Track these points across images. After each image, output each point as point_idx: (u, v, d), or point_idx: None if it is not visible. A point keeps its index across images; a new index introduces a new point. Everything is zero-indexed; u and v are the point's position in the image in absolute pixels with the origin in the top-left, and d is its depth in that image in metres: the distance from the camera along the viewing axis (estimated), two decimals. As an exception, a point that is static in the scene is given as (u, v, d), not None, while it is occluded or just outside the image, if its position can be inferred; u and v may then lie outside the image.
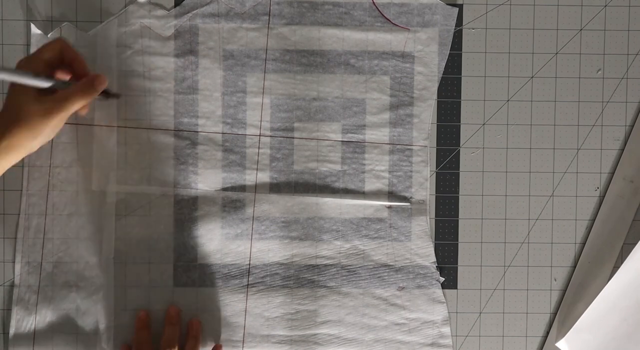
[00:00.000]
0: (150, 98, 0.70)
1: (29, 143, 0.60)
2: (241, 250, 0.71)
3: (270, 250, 0.71)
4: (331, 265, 0.71)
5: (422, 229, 0.71)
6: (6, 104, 0.60)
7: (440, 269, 0.72)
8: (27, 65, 0.60)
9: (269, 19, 0.70)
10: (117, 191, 0.70)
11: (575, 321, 0.70)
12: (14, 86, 0.60)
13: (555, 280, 0.72)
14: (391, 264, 0.71)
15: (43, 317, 0.70)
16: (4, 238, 0.70)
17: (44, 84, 0.59)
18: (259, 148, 0.71)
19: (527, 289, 0.72)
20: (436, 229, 0.72)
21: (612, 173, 0.72)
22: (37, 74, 0.59)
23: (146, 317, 0.69)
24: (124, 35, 0.70)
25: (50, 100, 0.60)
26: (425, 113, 0.71)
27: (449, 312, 0.72)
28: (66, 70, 0.63)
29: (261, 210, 0.70)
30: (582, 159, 0.72)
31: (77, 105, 0.61)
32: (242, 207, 0.70)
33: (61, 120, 0.61)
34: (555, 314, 0.72)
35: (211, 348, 0.70)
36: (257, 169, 0.71)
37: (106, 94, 0.66)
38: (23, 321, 0.70)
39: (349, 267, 0.71)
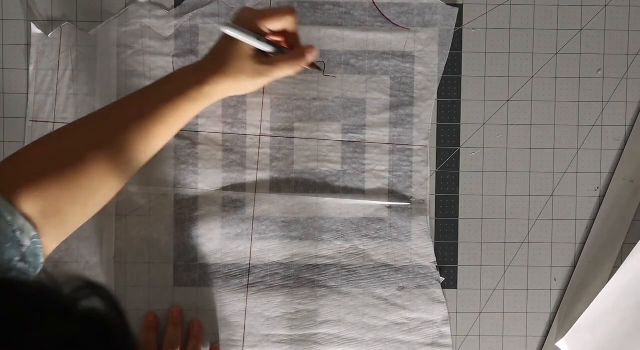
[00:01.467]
0: (150, 98, 0.70)
1: (225, 94, 0.61)
2: (241, 250, 0.71)
3: (270, 250, 0.71)
4: (331, 265, 0.71)
5: (422, 228, 0.71)
6: (219, 52, 0.61)
7: (440, 268, 0.72)
8: (252, 23, 0.60)
9: (269, 19, 0.70)
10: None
11: (575, 321, 0.70)
12: (233, 39, 0.60)
13: (555, 280, 0.72)
14: (391, 263, 0.71)
15: (43, 317, 0.70)
16: (5, 238, 0.70)
17: (266, 48, 0.60)
18: (259, 148, 0.71)
19: (527, 289, 0.72)
20: (436, 228, 0.72)
21: (612, 173, 0.72)
22: (261, 37, 0.60)
23: (154, 318, 0.69)
24: (125, 35, 0.70)
25: (263, 63, 0.60)
26: (426, 113, 0.71)
27: (449, 312, 0.72)
28: (279, 35, 0.63)
29: (261, 210, 0.70)
30: (582, 159, 0.72)
31: (285, 73, 0.61)
32: (242, 207, 0.70)
33: (266, 82, 0.62)
34: (555, 313, 0.72)
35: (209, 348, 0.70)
36: (257, 169, 0.71)
37: (312, 65, 0.66)
38: (23, 321, 0.70)
39: (349, 267, 0.71)
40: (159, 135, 0.59)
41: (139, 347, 0.69)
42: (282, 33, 0.62)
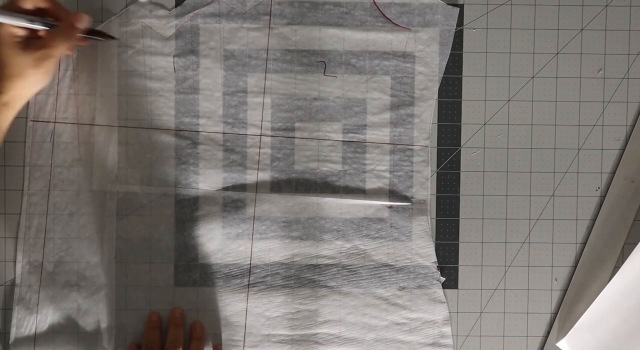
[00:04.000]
0: (151, 98, 0.70)
1: (26, 94, 0.60)
2: (242, 250, 0.71)
3: (271, 250, 0.71)
4: (332, 265, 0.71)
5: (422, 228, 0.71)
6: None
7: (441, 268, 0.72)
8: (10, 6, 0.59)
9: (270, 19, 0.70)
10: (118, 191, 0.70)
11: (576, 321, 0.70)
12: None
13: (556, 280, 0.72)
14: (392, 263, 0.71)
15: (44, 317, 0.70)
16: (5, 238, 0.70)
17: (38, 26, 0.59)
18: (259, 148, 0.71)
19: (528, 289, 0.72)
20: (437, 228, 0.72)
21: (613, 173, 0.72)
22: (32, 18, 0.58)
23: (158, 318, 0.69)
24: (125, 35, 0.70)
25: (37, 49, 0.59)
26: (426, 113, 0.71)
27: (449, 312, 0.72)
28: (43, 14, 0.61)
29: (262, 210, 0.71)
30: (582, 158, 0.72)
31: (63, 48, 0.60)
32: (243, 207, 0.70)
33: (52, 64, 0.61)
34: (555, 313, 0.72)
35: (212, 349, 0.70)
36: (258, 169, 0.71)
37: (100, 33, 0.66)
38: (24, 321, 0.70)
39: (349, 267, 0.71)
40: None
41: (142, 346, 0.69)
42: (42, 10, 0.61)
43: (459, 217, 0.72)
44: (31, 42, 0.60)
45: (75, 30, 0.61)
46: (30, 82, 0.60)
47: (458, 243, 0.72)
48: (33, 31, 0.61)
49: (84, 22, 0.62)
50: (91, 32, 0.66)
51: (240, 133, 0.71)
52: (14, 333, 0.70)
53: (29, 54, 0.59)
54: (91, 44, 0.69)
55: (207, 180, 0.70)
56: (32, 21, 0.58)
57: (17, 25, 0.58)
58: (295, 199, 0.71)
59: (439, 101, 0.71)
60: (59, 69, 0.69)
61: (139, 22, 0.70)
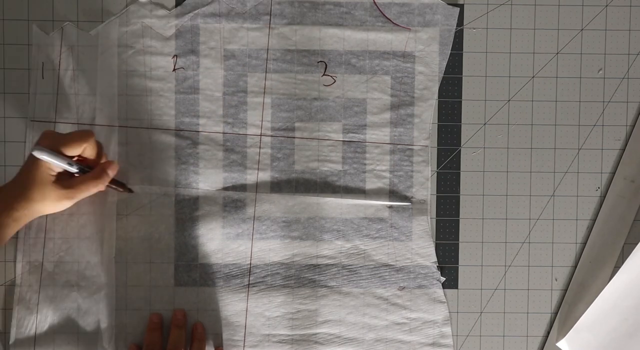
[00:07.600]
0: (151, 98, 0.70)
1: (37, 215, 0.63)
2: (242, 250, 0.71)
3: (271, 249, 0.71)
4: (332, 265, 0.71)
5: (423, 228, 0.71)
6: (23, 177, 0.62)
7: (441, 268, 0.72)
8: (55, 147, 0.62)
9: (270, 19, 0.70)
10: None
11: (576, 321, 0.70)
12: (36, 163, 0.61)
13: (556, 280, 0.72)
14: (392, 263, 0.71)
15: (44, 317, 0.70)
16: (5, 237, 0.70)
17: (73, 169, 0.63)
18: (260, 148, 0.71)
19: (528, 289, 0.72)
20: (437, 228, 0.72)
21: (613, 173, 0.72)
22: (70, 160, 0.62)
23: (158, 319, 0.69)
24: (125, 35, 0.70)
25: (65, 188, 0.62)
26: (426, 113, 0.71)
27: (449, 312, 0.72)
28: (80, 156, 0.64)
29: (262, 209, 0.71)
30: (583, 158, 0.72)
31: (90, 192, 0.64)
32: (243, 207, 0.70)
33: (74, 201, 0.64)
34: (556, 313, 0.72)
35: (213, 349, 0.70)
36: (258, 169, 0.71)
37: (120, 184, 0.68)
38: (24, 321, 0.70)
39: (349, 267, 0.71)
40: None
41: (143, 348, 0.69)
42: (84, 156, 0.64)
43: (459, 217, 0.72)
44: (62, 179, 0.63)
45: (106, 179, 0.64)
46: (47, 209, 0.63)
47: (458, 243, 0.72)
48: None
49: (114, 171, 0.65)
50: (115, 181, 0.67)
51: (240, 133, 0.71)
52: (14, 333, 0.70)
53: (57, 189, 0.62)
54: (91, 44, 0.70)
55: (207, 180, 0.70)
56: (70, 165, 0.62)
57: (54, 164, 0.61)
58: (296, 199, 0.71)
59: (439, 101, 0.71)
60: (58, 69, 0.69)
61: (139, 22, 0.70)
